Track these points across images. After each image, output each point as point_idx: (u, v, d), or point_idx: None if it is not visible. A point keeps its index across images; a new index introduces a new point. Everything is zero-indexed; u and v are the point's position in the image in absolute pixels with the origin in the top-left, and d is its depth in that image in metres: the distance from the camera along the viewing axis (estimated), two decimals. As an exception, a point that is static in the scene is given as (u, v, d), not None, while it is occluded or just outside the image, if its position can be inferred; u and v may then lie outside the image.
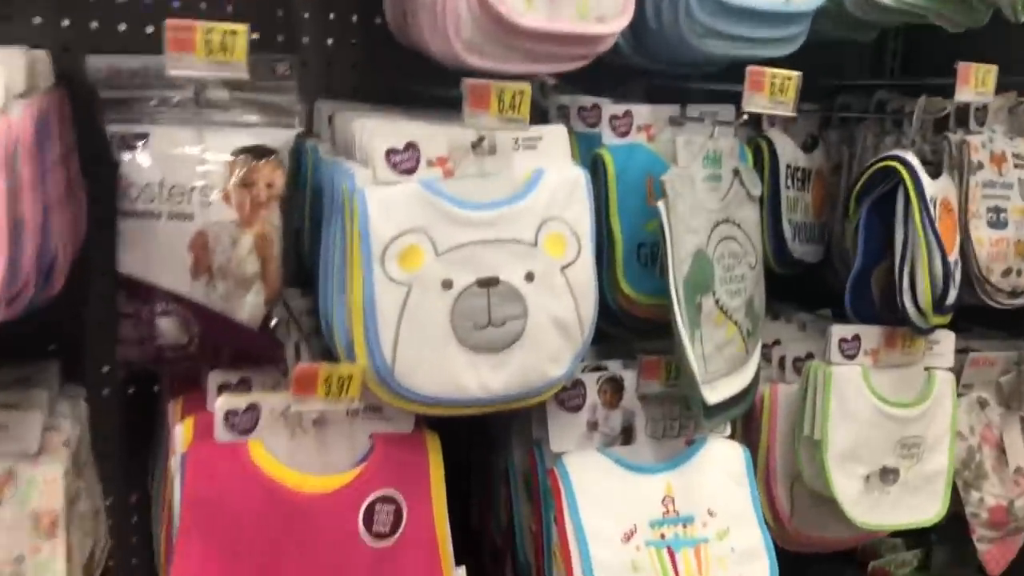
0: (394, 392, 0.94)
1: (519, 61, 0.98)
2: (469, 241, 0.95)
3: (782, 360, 1.30)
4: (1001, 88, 1.37)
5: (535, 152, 1.00)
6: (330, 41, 1.26)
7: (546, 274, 0.98)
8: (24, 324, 1.15)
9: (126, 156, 0.95)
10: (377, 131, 0.96)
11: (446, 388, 0.95)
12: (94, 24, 1.13)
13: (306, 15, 1.26)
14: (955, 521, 1.41)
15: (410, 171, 0.94)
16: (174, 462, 0.95)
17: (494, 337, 0.96)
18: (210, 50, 0.84)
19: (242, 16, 0.92)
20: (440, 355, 0.94)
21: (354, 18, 1.27)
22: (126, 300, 0.97)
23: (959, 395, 1.38)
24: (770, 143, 1.37)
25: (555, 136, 1.01)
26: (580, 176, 1.01)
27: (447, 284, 0.94)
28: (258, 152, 0.96)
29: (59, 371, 1.13)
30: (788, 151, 1.39)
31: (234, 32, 0.84)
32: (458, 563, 1.33)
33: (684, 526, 1.08)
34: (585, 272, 1.01)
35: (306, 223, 1.12)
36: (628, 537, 1.06)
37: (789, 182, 1.38)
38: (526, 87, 0.94)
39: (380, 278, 0.92)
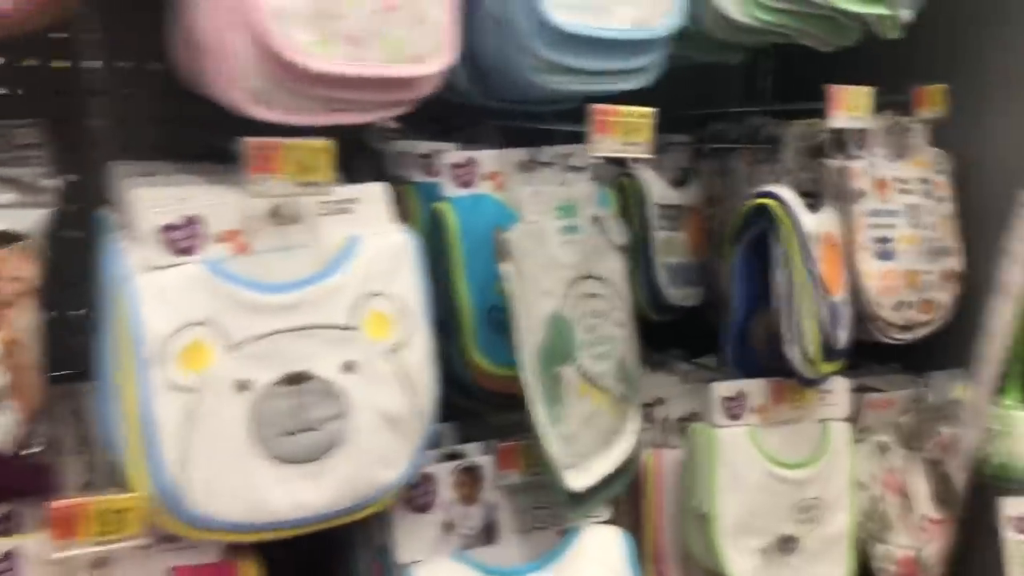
0: (187, 521, 0.77)
1: (320, 111, 0.82)
2: (269, 331, 0.78)
3: (665, 421, 1.17)
4: (880, 108, 1.28)
5: (350, 216, 0.85)
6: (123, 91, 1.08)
7: (370, 362, 0.82)
8: None
9: None
10: (151, 203, 0.78)
11: (252, 511, 0.79)
12: None
13: (97, 63, 1.08)
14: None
15: (190, 250, 0.77)
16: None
17: (307, 444, 0.80)
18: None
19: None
20: (240, 472, 0.78)
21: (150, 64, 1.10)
22: None
23: (857, 441, 1.28)
24: (635, 182, 1.24)
25: (372, 196, 0.86)
26: (405, 241, 0.86)
27: (243, 385, 0.77)
28: (2, 239, 0.77)
29: None
30: (657, 189, 1.27)
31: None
32: None
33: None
34: (419, 354, 0.86)
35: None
36: (494, 658, 0.90)
37: (661, 222, 1.27)
38: (324, 145, 0.78)
39: (158, 384, 0.75)
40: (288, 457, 0.79)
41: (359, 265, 0.83)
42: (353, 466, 0.82)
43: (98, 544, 0.75)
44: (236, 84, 0.78)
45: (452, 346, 0.99)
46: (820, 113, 1.17)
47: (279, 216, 0.81)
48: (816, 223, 1.12)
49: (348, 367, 0.81)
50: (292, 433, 0.79)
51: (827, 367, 1.09)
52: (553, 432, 0.93)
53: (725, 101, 1.48)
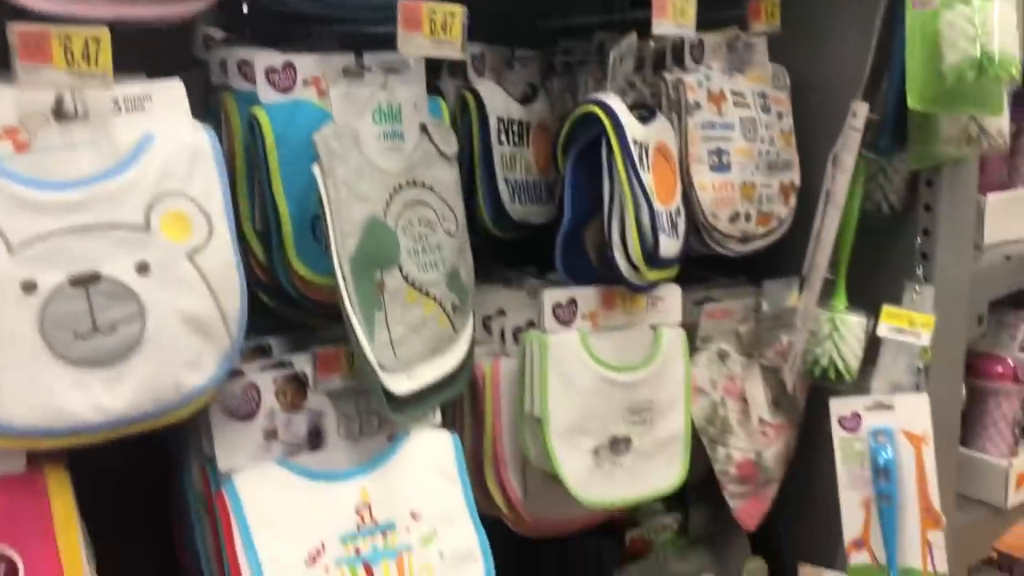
0: (-25, 427, 0.75)
1: (102, 3, 0.78)
2: (53, 230, 0.76)
3: (503, 331, 1.18)
4: (720, 22, 1.30)
5: (144, 114, 0.82)
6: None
7: (166, 263, 0.80)
8: None
9: None
10: (-80, 99, 0.75)
11: (47, 415, 0.77)
12: None
13: None
14: (709, 480, 1.35)
15: (-37, 147, 0.74)
16: None
17: (103, 346, 0.78)
18: None
19: None
20: (32, 375, 0.76)
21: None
22: None
23: (698, 349, 1.32)
24: (476, 95, 1.24)
25: (170, 93, 0.84)
26: (204, 139, 0.84)
27: (29, 286, 0.75)
28: None
29: None
30: (499, 103, 1.26)
31: None
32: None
33: (384, 535, 0.95)
34: (222, 256, 0.84)
35: None
36: (314, 559, 0.91)
37: (503, 137, 1.26)
38: (100, 31, 0.75)
39: (-68, 288, 0.72)
40: (83, 360, 0.77)
41: (153, 163, 0.80)
42: (154, 369, 0.80)
43: None
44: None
45: (276, 257, 0.98)
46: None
47: (63, 113, 0.78)
48: (646, 133, 1.14)
49: (142, 268, 0.79)
50: (84, 336, 0.77)
51: (652, 273, 1.12)
52: (371, 336, 0.93)
53: (583, 15, 1.48)
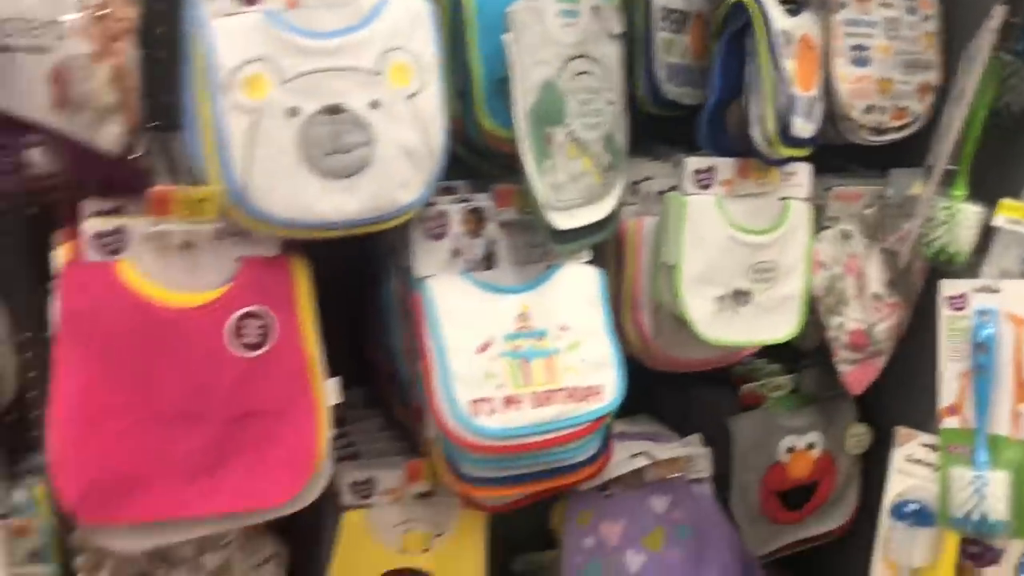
0: (250, 215, 1.01)
1: None
2: (313, 69, 1.00)
3: (648, 194, 1.38)
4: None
5: (380, -17, 1.04)
6: None
7: (391, 102, 1.04)
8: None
9: (-18, -9, 0.99)
10: (223, -36, 1.00)
11: (300, 211, 1.03)
12: None
13: None
14: (824, 348, 1.51)
15: (253, 1, 0.99)
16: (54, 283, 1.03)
17: (343, 163, 1.03)
18: None
19: None
20: (292, 180, 1.01)
21: None
22: (-2, 132, 1.03)
23: (825, 227, 1.47)
24: (643, -17, 1.40)
25: (399, -31, 1.06)
26: (423, 6, 1.06)
27: (293, 111, 1.00)
28: (108, -14, 1.00)
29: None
30: (664, -7, 1.42)
31: None
32: (357, 384, 1.46)
33: (538, 339, 1.18)
34: (431, 102, 1.07)
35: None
36: (484, 348, 1.15)
37: (663, 23, 1.42)
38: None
39: (227, 106, 0.98)
40: (328, 172, 1.02)
41: (384, 22, 1.03)
42: (378, 185, 1.05)
43: (185, 223, 1.00)
44: None
45: (466, 108, 1.20)
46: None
47: (324, -21, 1.01)
48: (792, 24, 1.28)
49: (374, 104, 1.03)
50: (330, 153, 1.02)
51: (786, 150, 1.28)
52: (540, 178, 1.15)
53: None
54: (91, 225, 1.01)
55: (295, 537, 1.24)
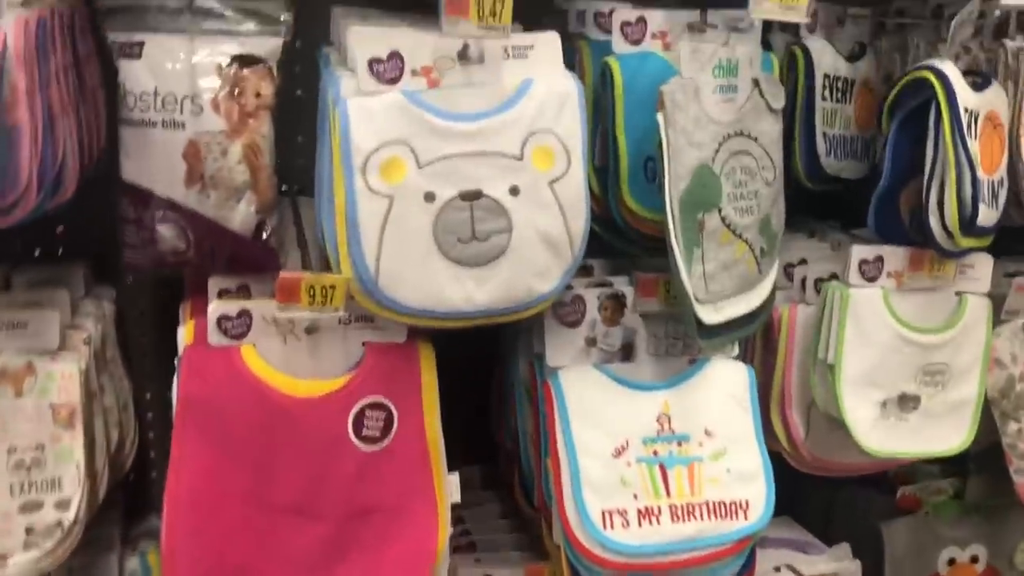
0: (379, 303, 0.96)
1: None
2: (452, 153, 0.94)
3: (804, 280, 1.26)
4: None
5: (526, 61, 0.98)
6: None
7: (532, 188, 0.96)
8: (54, 226, 1.23)
9: (124, 64, 0.97)
10: (363, 38, 0.95)
11: (430, 300, 0.96)
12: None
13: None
14: (993, 451, 1.36)
15: (393, 81, 0.93)
16: (176, 363, 1.00)
17: (478, 251, 0.96)
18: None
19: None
20: (423, 267, 0.95)
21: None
22: (129, 206, 1.00)
23: (1003, 321, 1.31)
24: (806, 51, 1.29)
25: (547, 44, 0.98)
26: (572, 87, 0.98)
27: (429, 197, 0.94)
28: (246, 61, 0.96)
29: (87, 272, 1.18)
30: (827, 60, 1.31)
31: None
32: (476, 465, 1.39)
33: (679, 444, 1.08)
34: (575, 187, 0.99)
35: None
36: (619, 452, 1.06)
37: (827, 93, 1.31)
38: (507, -8, 0.91)
39: (362, 189, 0.93)
40: (462, 260, 0.95)
41: (530, 104, 0.96)
42: (513, 274, 0.97)
43: (311, 311, 0.95)
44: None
45: (611, 192, 1.12)
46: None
47: (466, 57, 0.95)
48: (978, 101, 1.15)
49: (514, 191, 0.96)
50: (466, 241, 0.95)
51: (967, 241, 1.14)
52: (689, 269, 1.05)
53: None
54: (216, 308, 0.98)
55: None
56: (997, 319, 1.29)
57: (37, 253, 1.23)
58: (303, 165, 1.22)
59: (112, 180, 1.03)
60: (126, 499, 1.27)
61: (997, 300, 1.28)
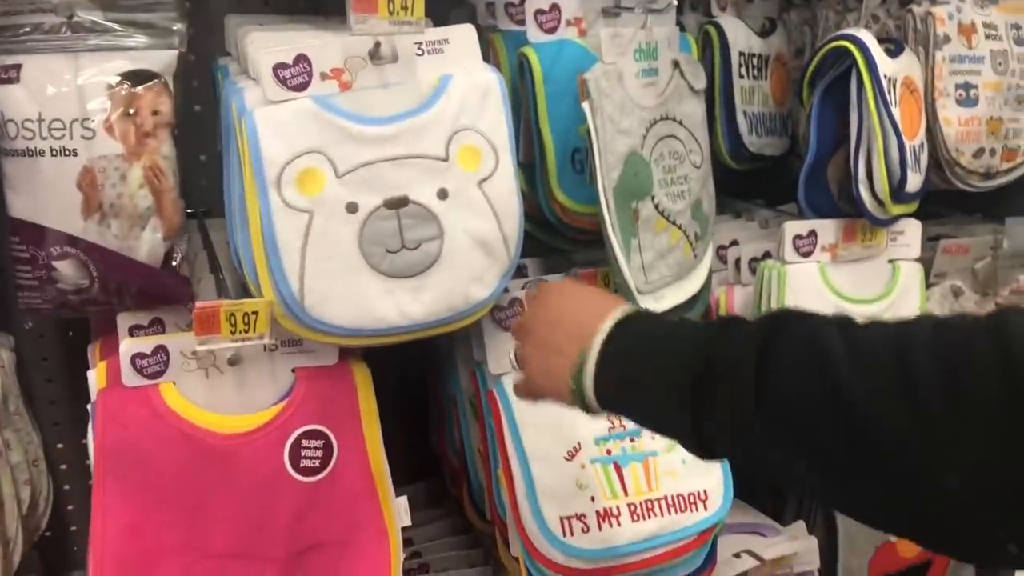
0: (306, 325, 0.89)
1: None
2: (372, 159, 0.88)
3: (738, 261, 1.24)
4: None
5: (442, 57, 0.92)
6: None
7: (461, 190, 0.91)
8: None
9: (1, 90, 0.89)
10: (264, 44, 0.88)
11: (362, 317, 0.90)
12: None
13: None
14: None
15: (301, 87, 0.87)
16: (90, 409, 0.92)
17: (409, 261, 0.90)
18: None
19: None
20: (352, 283, 0.89)
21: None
22: (20, 245, 0.91)
23: (931, 285, 1.32)
24: (720, 30, 1.27)
25: (463, 37, 0.93)
26: (493, 80, 0.94)
27: (352, 207, 0.88)
28: (139, 77, 0.88)
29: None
30: (741, 37, 1.30)
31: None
32: (419, 482, 1.33)
33: (631, 440, 1.05)
34: (506, 185, 0.94)
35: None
36: (572, 455, 1.02)
37: (743, 71, 1.30)
38: (418, -15, 0.86)
39: (278, 205, 0.86)
40: (392, 272, 0.90)
41: (450, 101, 0.91)
42: (449, 282, 0.92)
43: (233, 341, 0.88)
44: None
45: (539, 186, 1.07)
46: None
47: (378, 56, 0.89)
48: (895, 67, 1.15)
49: (442, 194, 0.90)
50: (395, 251, 0.89)
51: (897, 208, 1.14)
52: (628, 261, 1.01)
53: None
54: (129, 346, 0.90)
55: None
56: (926, 283, 1.29)
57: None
58: (207, 185, 1.16)
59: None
60: (44, 560, 1.18)
61: (925, 264, 1.29)
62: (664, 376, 0.67)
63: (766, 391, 0.60)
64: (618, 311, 0.74)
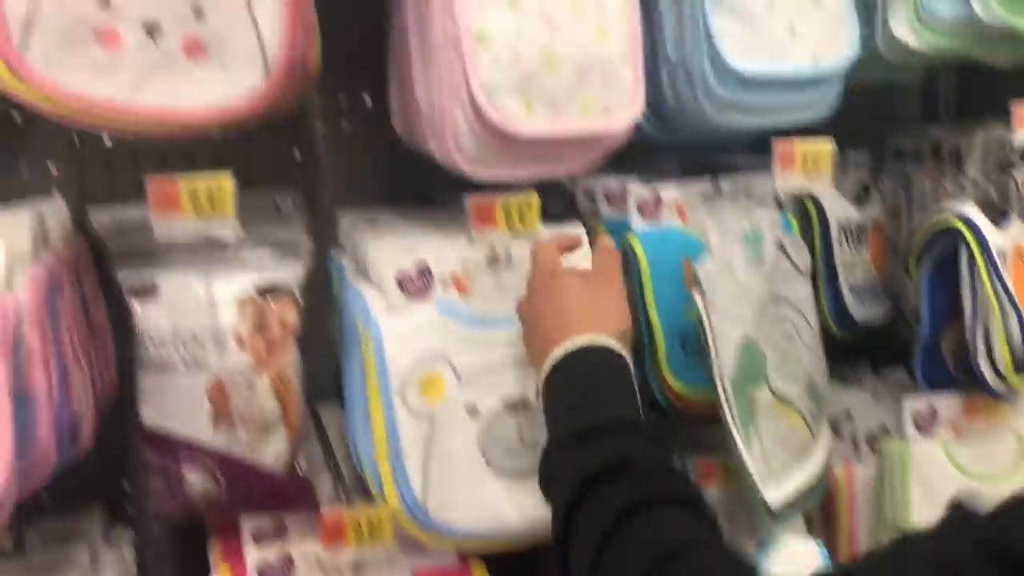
0: (430, 531, 0.89)
1: (527, 165, 0.92)
2: (491, 361, 0.90)
3: (854, 436, 1.20)
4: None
5: (552, 258, 0.94)
6: (347, 148, 1.23)
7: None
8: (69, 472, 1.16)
9: (138, 306, 0.93)
10: (386, 253, 0.92)
11: (485, 521, 0.90)
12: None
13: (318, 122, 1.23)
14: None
15: (423, 294, 0.90)
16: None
17: (529, 461, 0.90)
18: (197, 207, 0.81)
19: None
20: (474, 486, 0.89)
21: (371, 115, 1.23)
22: (152, 453, 0.94)
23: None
24: (817, 203, 1.28)
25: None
26: (610, 272, 0.95)
27: (472, 410, 0.89)
28: (269, 291, 0.92)
29: (103, 517, 1.11)
30: (838, 208, 1.30)
31: (220, 185, 0.81)
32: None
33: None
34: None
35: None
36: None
37: (843, 242, 1.29)
38: (532, 198, 0.89)
39: (402, 411, 0.88)
40: (513, 473, 0.90)
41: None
42: (568, 481, 0.91)
43: (358, 551, 0.88)
44: (456, 150, 0.90)
45: (647, 368, 1.07)
46: (1004, 127, 1.18)
47: (495, 261, 0.92)
48: (1005, 238, 1.13)
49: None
50: (515, 451, 0.89)
51: (1019, 381, 1.10)
52: (750, 450, 0.99)
53: (906, 115, 1.49)
54: (255, 556, 0.90)
55: None
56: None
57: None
58: (308, 370, 1.18)
59: (126, 422, 0.98)
60: None
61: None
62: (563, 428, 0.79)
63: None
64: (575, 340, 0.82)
